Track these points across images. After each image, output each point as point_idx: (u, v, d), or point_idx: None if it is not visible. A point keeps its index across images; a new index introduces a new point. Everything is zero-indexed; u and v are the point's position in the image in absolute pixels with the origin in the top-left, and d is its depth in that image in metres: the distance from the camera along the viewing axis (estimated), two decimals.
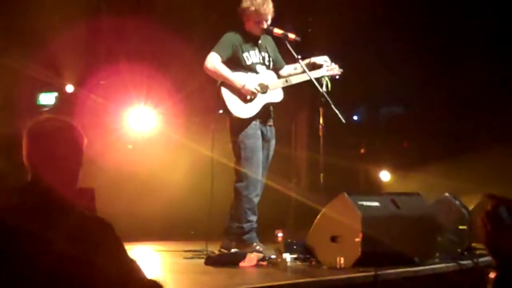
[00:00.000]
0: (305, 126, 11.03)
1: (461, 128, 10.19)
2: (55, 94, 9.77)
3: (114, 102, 9.35)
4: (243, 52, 7.19)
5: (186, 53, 8.62)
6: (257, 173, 7.09)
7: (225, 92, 7.03)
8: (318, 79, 7.21)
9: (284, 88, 7.27)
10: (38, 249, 2.55)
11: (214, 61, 7.02)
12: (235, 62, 7.13)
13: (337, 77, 7.31)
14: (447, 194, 7.46)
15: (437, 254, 6.68)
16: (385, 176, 11.07)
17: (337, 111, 7.02)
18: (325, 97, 7.07)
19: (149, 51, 9.30)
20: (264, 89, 7.15)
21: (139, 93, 9.41)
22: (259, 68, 7.25)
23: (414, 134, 10.87)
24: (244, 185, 7.06)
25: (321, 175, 7.20)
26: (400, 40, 10.71)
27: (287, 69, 7.51)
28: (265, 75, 7.25)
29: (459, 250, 6.97)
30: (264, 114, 7.20)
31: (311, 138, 10.22)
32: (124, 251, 2.83)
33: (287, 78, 7.32)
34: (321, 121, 7.22)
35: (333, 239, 6.26)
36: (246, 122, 7.07)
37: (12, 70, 8.49)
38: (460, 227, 7.17)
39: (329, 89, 7.21)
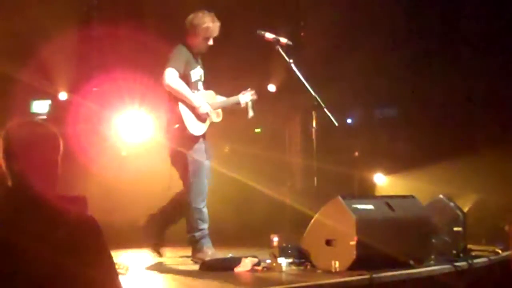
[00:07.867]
0: (299, 130, 11.01)
1: (455, 130, 10.17)
2: (49, 101, 9.77)
3: (108, 108, 9.31)
4: (191, 68, 7.19)
5: None
6: (204, 184, 7.20)
7: (182, 109, 7.07)
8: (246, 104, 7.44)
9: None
10: (24, 258, 2.52)
11: (174, 78, 6.98)
12: (183, 78, 7.09)
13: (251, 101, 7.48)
14: (441, 195, 7.47)
15: (432, 256, 6.69)
16: (379, 179, 11.02)
17: (329, 114, 7.03)
18: (317, 101, 7.08)
19: (142, 57, 9.25)
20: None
21: (133, 98, 9.36)
22: (199, 85, 7.30)
23: (408, 136, 10.83)
24: (192, 196, 7.14)
25: (315, 178, 7.20)
26: (393, 42, 10.71)
27: None
28: (206, 94, 7.34)
29: (454, 251, 6.98)
30: (206, 131, 7.32)
31: (304, 142, 10.21)
32: (110, 262, 2.77)
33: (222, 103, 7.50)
34: (314, 124, 7.23)
35: (328, 242, 6.26)
36: (196, 138, 7.16)
37: (5, 77, 8.47)
38: (455, 228, 7.18)
39: (254, 113, 7.45)
